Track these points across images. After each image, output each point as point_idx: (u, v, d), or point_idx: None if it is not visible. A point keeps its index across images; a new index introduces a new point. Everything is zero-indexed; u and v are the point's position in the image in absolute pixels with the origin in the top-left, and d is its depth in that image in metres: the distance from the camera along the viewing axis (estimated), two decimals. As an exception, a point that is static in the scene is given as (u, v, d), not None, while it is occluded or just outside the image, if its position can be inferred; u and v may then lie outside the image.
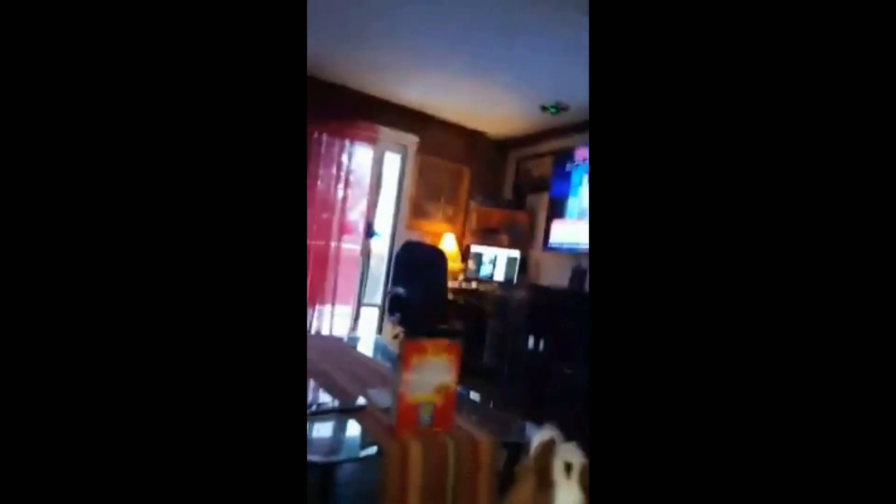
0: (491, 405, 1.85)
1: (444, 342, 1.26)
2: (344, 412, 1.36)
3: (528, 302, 3.68)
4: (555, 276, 3.79)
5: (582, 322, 3.03)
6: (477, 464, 1.26)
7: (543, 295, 3.53)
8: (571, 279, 3.44)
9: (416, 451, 1.18)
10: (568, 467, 0.84)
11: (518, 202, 4.37)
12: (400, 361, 1.22)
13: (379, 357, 2.26)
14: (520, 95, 3.44)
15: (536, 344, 3.43)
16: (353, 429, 1.31)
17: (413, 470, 1.17)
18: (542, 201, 4.04)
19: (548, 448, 0.88)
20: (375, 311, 4.21)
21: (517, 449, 1.56)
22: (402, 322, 2.91)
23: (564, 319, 3.21)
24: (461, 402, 1.68)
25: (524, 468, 0.87)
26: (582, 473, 0.83)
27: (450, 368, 1.28)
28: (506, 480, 1.56)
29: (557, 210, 3.74)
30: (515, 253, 4.11)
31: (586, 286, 3.30)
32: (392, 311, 3.15)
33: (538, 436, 0.93)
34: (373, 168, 4.01)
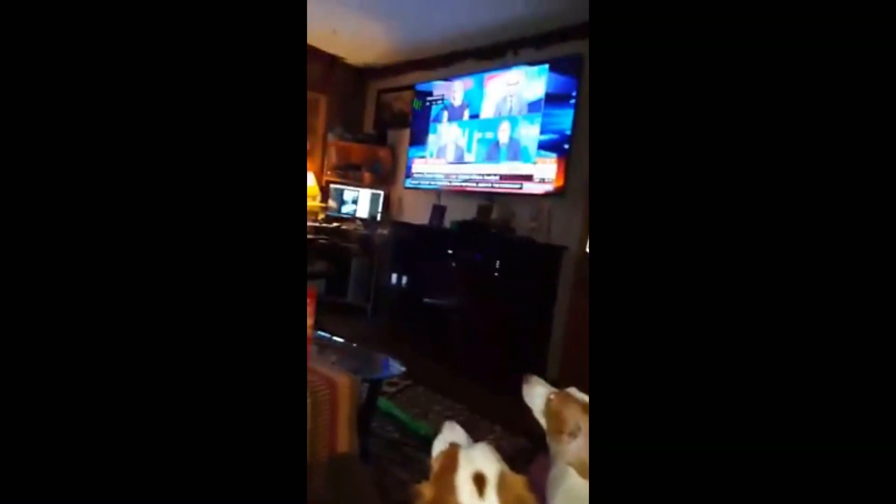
0: (354, 345, 1.84)
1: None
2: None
3: (391, 239, 3.69)
4: (416, 213, 3.83)
5: (440, 256, 3.16)
6: (335, 404, 1.25)
7: (406, 232, 3.56)
8: (432, 216, 3.52)
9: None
10: (479, 479, 0.61)
11: (380, 137, 4.22)
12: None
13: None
14: (382, 21, 3.21)
15: (399, 280, 3.49)
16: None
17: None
18: (403, 137, 3.97)
19: (450, 458, 0.65)
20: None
21: (377, 383, 1.60)
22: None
23: (425, 255, 3.30)
24: (324, 345, 1.64)
25: (421, 488, 0.63)
26: (499, 485, 0.61)
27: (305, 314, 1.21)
28: (367, 417, 1.61)
29: (417, 146, 3.72)
30: (378, 190, 4.02)
31: (446, 222, 3.41)
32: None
33: (438, 440, 0.73)
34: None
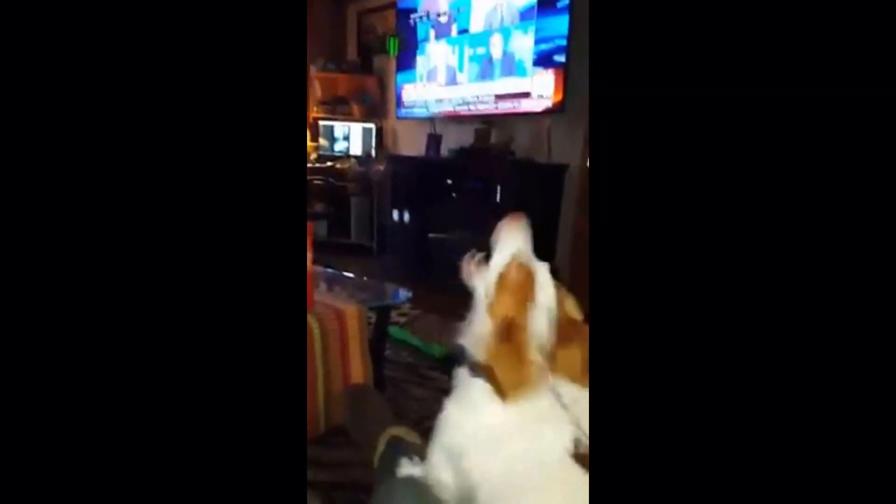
0: (364, 278, 1.83)
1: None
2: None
3: (388, 175, 3.59)
4: (411, 144, 3.70)
5: (440, 188, 3.07)
6: (345, 334, 1.25)
7: (403, 165, 3.45)
8: (428, 146, 3.39)
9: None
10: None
11: (365, 65, 3.98)
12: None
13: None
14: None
15: (401, 216, 3.44)
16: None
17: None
18: (390, 62, 3.73)
19: (524, 273, 0.65)
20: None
21: (385, 310, 1.60)
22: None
23: (425, 188, 3.22)
24: (332, 280, 1.63)
25: (492, 305, 0.64)
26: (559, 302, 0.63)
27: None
28: (379, 345, 1.63)
29: (406, 71, 3.50)
30: (369, 124, 3.86)
31: (443, 151, 3.29)
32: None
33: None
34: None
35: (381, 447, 0.91)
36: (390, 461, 0.82)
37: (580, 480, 0.56)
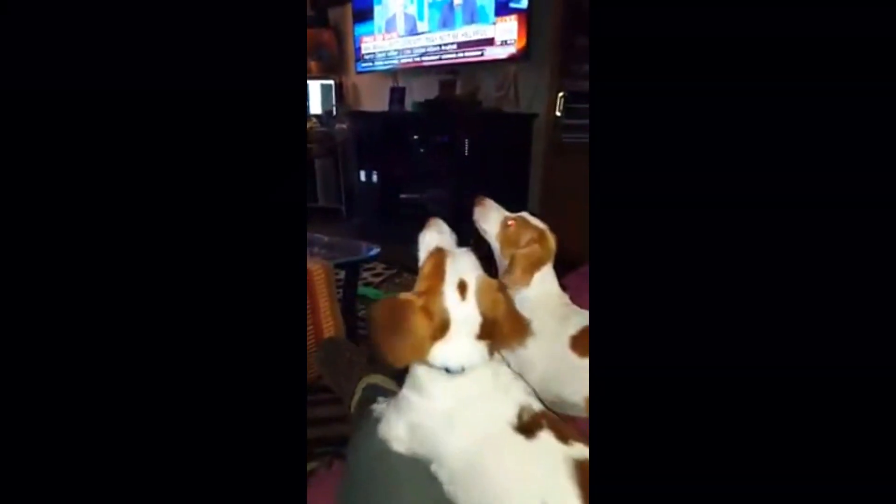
0: (326, 238, 1.78)
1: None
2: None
3: (351, 133, 3.46)
4: (374, 99, 3.56)
5: (406, 144, 2.99)
6: (313, 292, 1.22)
7: (366, 122, 3.33)
8: (391, 100, 3.27)
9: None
10: (462, 286, 0.63)
11: (319, 18, 3.75)
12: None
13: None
14: None
15: (369, 176, 3.34)
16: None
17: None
18: (346, 14, 3.53)
19: (437, 266, 0.66)
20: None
21: (354, 266, 1.57)
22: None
23: (391, 145, 3.12)
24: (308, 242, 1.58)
25: (411, 297, 0.65)
26: (478, 290, 0.64)
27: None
28: (350, 301, 1.61)
29: (363, 23, 3.32)
30: (328, 80, 3.68)
31: (407, 105, 3.18)
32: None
33: (423, 238, 0.72)
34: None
35: (358, 394, 0.91)
36: (368, 406, 0.82)
37: (526, 449, 0.59)
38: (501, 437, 0.61)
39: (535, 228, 0.89)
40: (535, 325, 0.84)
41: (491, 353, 0.65)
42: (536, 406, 0.65)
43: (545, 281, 0.88)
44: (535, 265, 0.87)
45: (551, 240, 0.89)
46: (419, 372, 0.66)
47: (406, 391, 0.69)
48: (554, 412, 0.68)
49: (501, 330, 0.65)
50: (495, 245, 0.93)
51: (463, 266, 0.66)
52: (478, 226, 0.95)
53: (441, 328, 0.63)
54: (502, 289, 0.67)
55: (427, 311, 0.63)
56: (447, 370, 0.64)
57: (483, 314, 0.64)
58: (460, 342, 0.64)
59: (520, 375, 0.71)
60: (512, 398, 0.64)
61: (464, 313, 0.63)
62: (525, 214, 0.92)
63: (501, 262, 0.92)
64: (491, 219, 0.93)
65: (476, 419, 0.63)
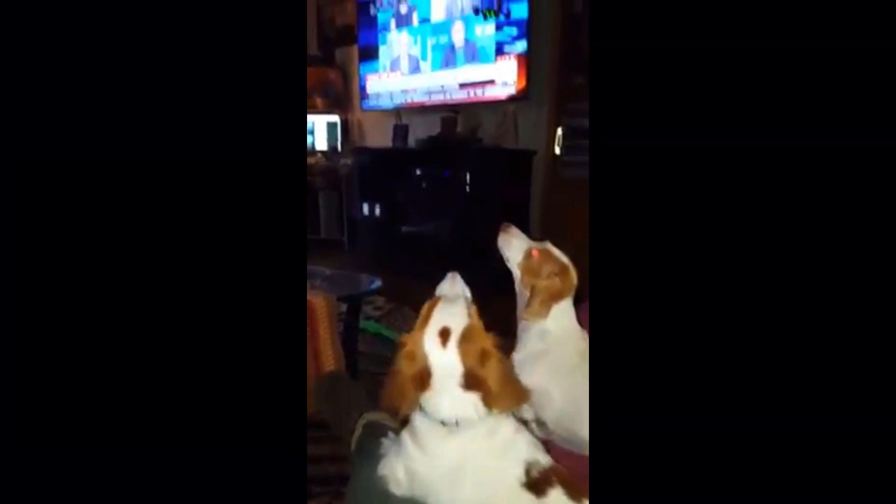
0: (328, 271, 1.79)
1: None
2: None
3: (356, 168, 3.53)
4: (378, 135, 3.65)
5: (408, 179, 3.05)
6: (314, 326, 1.22)
7: (370, 158, 3.40)
8: (394, 137, 3.35)
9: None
10: (445, 333, 0.62)
11: (327, 58, 3.90)
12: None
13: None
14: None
15: (371, 209, 3.39)
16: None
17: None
18: (352, 54, 3.67)
19: (427, 310, 0.65)
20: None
21: (355, 300, 1.58)
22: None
23: (393, 179, 3.18)
24: (309, 275, 1.60)
25: (404, 337, 0.65)
26: (463, 338, 0.62)
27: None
28: (351, 336, 1.61)
29: (369, 62, 3.45)
30: (334, 117, 3.79)
31: (410, 141, 3.26)
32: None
33: (437, 288, 0.71)
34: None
35: (358, 431, 0.90)
36: (368, 444, 0.81)
37: None
38: (509, 496, 0.59)
39: (558, 261, 0.89)
40: (555, 359, 0.84)
41: (488, 407, 0.62)
42: (545, 461, 0.63)
43: (564, 315, 0.88)
44: (554, 298, 0.87)
45: (573, 274, 0.89)
46: (416, 421, 0.65)
47: (405, 436, 0.67)
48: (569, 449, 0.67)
49: (488, 386, 0.62)
50: (516, 273, 0.92)
51: (450, 313, 0.64)
52: (501, 251, 0.94)
53: (422, 374, 0.62)
54: (496, 344, 0.65)
55: (410, 355, 0.63)
56: (443, 423, 0.62)
57: (465, 364, 0.61)
58: (445, 392, 0.62)
59: (525, 427, 0.69)
60: (516, 455, 0.62)
61: (443, 361, 0.61)
62: (549, 245, 0.92)
63: (521, 290, 0.92)
64: (514, 246, 0.92)
65: (481, 477, 0.61)
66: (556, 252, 0.91)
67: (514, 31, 2.64)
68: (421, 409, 0.64)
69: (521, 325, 0.91)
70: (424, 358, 0.62)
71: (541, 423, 0.86)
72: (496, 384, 0.62)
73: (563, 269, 0.88)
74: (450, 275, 0.75)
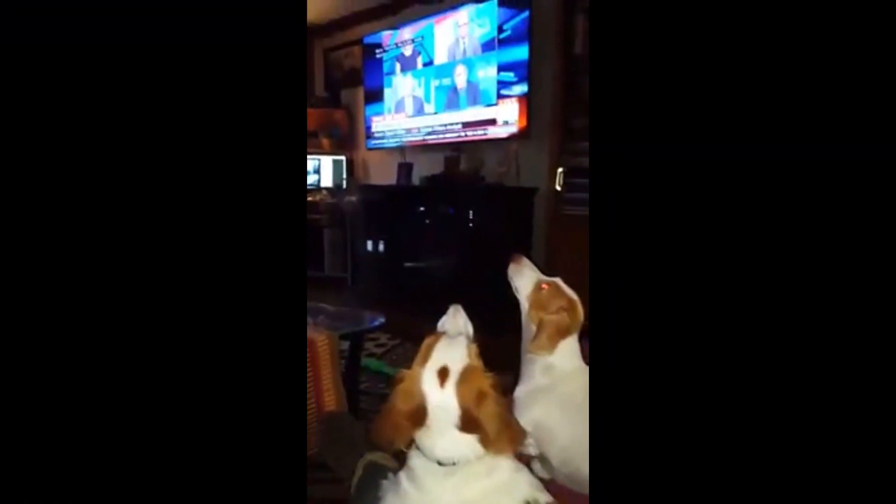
0: (331, 308, 1.79)
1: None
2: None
3: (360, 205, 3.58)
4: (382, 174, 3.72)
5: (412, 216, 3.08)
6: (316, 363, 1.21)
7: (374, 195, 3.46)
8: (399, 175, 3.42)
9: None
10: (444, 372, 0.62)
11: (333, 99, 4.03)
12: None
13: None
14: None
15: (375, 245, 3.41)
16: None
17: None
18: (358, 95, 3.79)
19: (427, 347, 0.65)
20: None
21: (357, 337, 1.57)
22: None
23: (397, 216, 3.22)
24: (312, 311, 1.59)
25: (401, 373, 0.64)
26: (461, 379, 0.62)
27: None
28: (353, 373, 1.59)
29: (374, 104, 3.56)
30: (339, 156, 3.88)
31: (414, 179, 3.32)
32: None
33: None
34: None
35: (359, 472, 0.87)
36: (368, 487, 0.79)
37: None
38: None
39: (567, 297, 0.89)
40: (559, 396, 0.83)
41: (486, 448, 0.62)
42: (544, 500, 0.62)
43: (570, 351, 0.87)
44: (561, 333, 0.86)
45: (580, 311, 0.89)
46: (413, 461, 0.65)
47: (403, 477, 0.67)
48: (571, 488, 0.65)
49: (484, 429, 0.61)
50: (524, 305, 0.92)
51: (451, 352, 0.63)
52: (511, 282, 0.95)
53: (418, 412, 0.61)
54: (495, 385, 0.64)
55: (407, 392, 0.62)
56: (440, 463, 0.62)
57: (462, 406, 0.61)
58: (442, 432, 0.61)
59: (527, 464, 0.69)
60: (515, 494, 0.62)
61: (440, 400, 0.61)
62: (559, 280, 0.92)
63: (527, 323, 0.91)
64: (525, 277, 0.93)
65: None
66: (566, 287, 0.91)
67: (514, 73, 2.73)
68: (416, 447, 0.63)
69: (527, 358, 0.90)
70: (422, 396, 0.62)
71: (544, 461, 0.84)
72: (493, 427, 0.61)
73: (571, 305, 0.88)
74: (452, 308, 0.75)
